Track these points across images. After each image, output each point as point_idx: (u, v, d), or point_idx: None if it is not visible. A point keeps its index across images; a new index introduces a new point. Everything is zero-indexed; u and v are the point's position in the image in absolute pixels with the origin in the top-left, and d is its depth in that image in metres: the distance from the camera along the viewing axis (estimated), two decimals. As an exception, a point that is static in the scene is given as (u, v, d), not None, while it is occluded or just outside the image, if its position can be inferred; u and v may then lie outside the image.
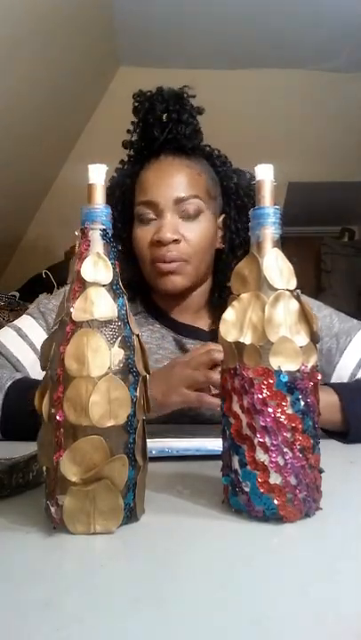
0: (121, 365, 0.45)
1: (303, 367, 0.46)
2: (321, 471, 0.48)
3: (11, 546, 0.42)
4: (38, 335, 0.90)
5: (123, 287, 0.47)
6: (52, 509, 0.43)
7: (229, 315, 0.49)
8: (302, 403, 0.46)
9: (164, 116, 0.93)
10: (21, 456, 0.55)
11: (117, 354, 0.45)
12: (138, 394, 0.46)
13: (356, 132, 3.11)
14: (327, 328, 0.95)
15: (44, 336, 0.90)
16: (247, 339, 0.46)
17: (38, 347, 0.89)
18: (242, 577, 0.37)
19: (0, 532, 0.44)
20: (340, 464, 0.62)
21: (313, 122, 3.11)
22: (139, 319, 1.01)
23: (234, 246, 0.99)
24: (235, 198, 0.99)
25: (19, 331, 0.91)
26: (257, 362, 0.46)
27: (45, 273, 2.67)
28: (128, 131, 0.97)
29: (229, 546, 0.42)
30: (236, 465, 0.47)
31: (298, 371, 0.45)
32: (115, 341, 0.45)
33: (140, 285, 0.99)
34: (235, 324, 0.48)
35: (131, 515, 0.45)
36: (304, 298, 0.98)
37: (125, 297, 0.47)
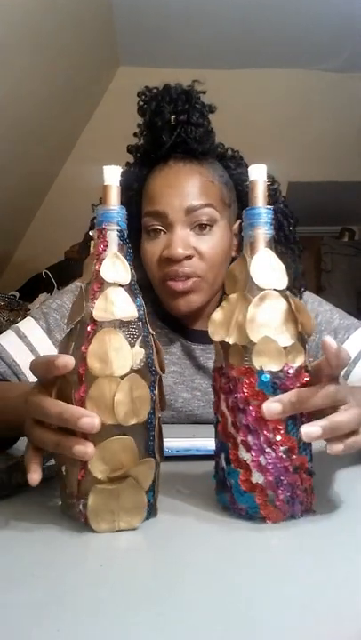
0: (142, 364, 0.45)
1: (287, 368, 0.46)
2: (311, 473, 0.47)
3: (10, 546, 0.42)
4: (36, 336, 0.89)
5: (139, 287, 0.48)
6: (80, 508, 0.44)
7: (217, 315, 0.49)
8: None
9: (173, 119, 0.86)
10: (21, 456, 0.55)
11: (138, 353, 0.45)
12: (156, 392, 0.47)
13: (357, 132, 3.11)
14: (327, 322, 0.94)
15: (43, 337, 0.89)
16: (232, 338, 0.47)
17: (36, 347, 0.88)
18: (241, 577, 0.37)
19: (0, 531, 0.44)
20: (339, 465, 0.62)
21: (313, 122, 3.11)
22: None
23: None
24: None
25: (18, 332, 0.90)
26: (240, 361, 0.46)
27: (45, 273, 2.67)
28: (135, 134, 0.91)
29: (229, 546, 0.42)
30: (223, 462, 0.48)
31: (280, 371, 0.45)
32: (135, 341, 0.46)
33: (149, 288, 0.93)
34: (222, 323, 0.48)
35: (151, 510, 0.46)
36: (306, 294, 0.97)
37: (142, 297, 0.48)
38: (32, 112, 2.38)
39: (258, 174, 0.50)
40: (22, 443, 0.69)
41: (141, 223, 0.87)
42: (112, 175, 0.49)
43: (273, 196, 0.92)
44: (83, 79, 2.72)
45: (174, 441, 0.66)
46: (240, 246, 0.91)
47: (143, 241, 0.87)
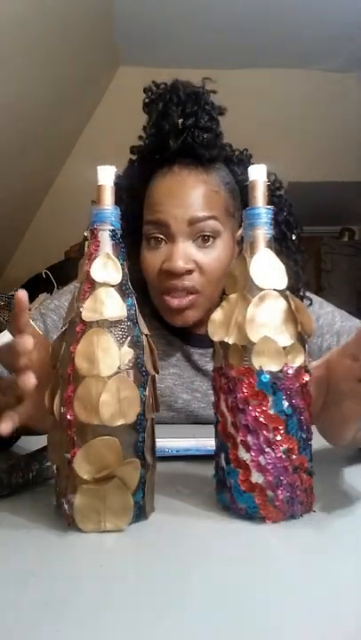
0: (130, 365, 0.45)
1: (286, 368, 0.45)
2: (311, 473, 0.47)
3: (11, 545, 0.42)
4: None
5: (132, 287, 0.48)
6: (66, 507, 0.44)
7: (217, 315, 0.49)
8: (286, 403, 0.45)
9: (180, 122, 0.81)
10: (22, 455, 0.55)
11: (127, 353, 0.45)
12: (147, 393, 0.46)
13: (357, 132, 3.11)
14: (329, 325, 0.93)
15: None
16: (231, 338, 0.47)
17: None
18: (241, 577, 0.37)
19: (0, 531, 0.44)
20: (339, 465, 0.62)
21: (313, 122, 3.11)
22: (146, 322, 0.97)
23: None
24: None
25: None
26: (240, 361, 0.46)
27: (45, 273, 2.67)
28: (140, 137, 0.87)
29: (229, 546, 0.42)
30: (222, 462, 0.48)
31: (280, 371, 0.45)
32: (124, 341, 0.45)
33: (147, 290, 0.91)
34: (222, 323, 0.48)
35: (140, 513, 0.46)
36: (307, 295, 0.96)
37: (134, 297, 0.48)
38: (32, 112, 2.38)
39: (258, 174, 0.50)
40: (23, 442, 0.69)
41: (142, 226, 0.85)
42: (106, 175, 0.48)
43: (278, 204, 0.89)
44: (83, 79, 2.72)
45: (174, 441, 0.66)
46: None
47: (143, 248, 0.85)
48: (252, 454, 0.45)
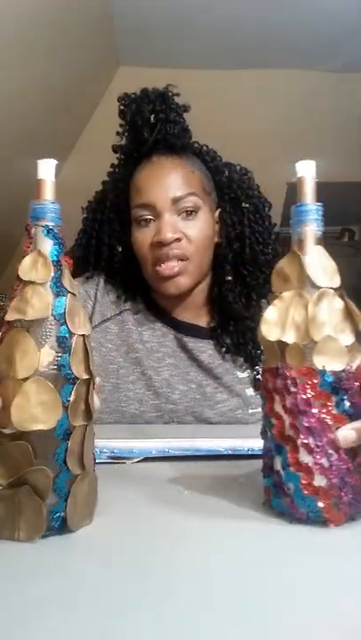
0: (51, 367, 0.43)
1: (348, 367, 0.45)
2: None
3: (9, 546, 0.42)
4: None
5: (66, 285, 0.45)
6: None
7: (271, 314, 0.48)
8: (347, 403, 0.45)
9: (152, 117, 0.94)
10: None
11: (47, 355, 0.43)
12: (74, 398, 0.43)
13: (356, 133, 3.11)
14: None
15: None
16: (290, 337, 0.45)
17: None
18: (240, 579, 0.36)
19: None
20: None
21: (313, 122, 3.11)
22: (139, 318, 1.01)
23: (230, 240, 0.99)
24: (228, 192, 1.00)
25: None
26: (300, 361, 0.45)
27: (45, 273, 2.67)
28: (117, 133, 0.98)
29: (227, 547, 0.42)
30: (278, 466, 0.46)
31: (343, 371, 0.44)
32: (45, 342, 0.43)
33: (141, 284, 1.00)
34: (277, 322, 0.47)
35: (62, 525, 0.43)
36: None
37: (68, 296, 0.45)
38: (32, 112, 2.38)
39: (305, 171, 0.49)
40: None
41: (131, 215, 0.95)
42: (46, 169, 0.46)
43: (248, 182, 1.02)
44: (83, 79, 2.72)
45: (174, 441, 0.66)
46: (221, 233, 0.99)
47: (134, 231, 0.95)
48: (315, 457, 0.44)
